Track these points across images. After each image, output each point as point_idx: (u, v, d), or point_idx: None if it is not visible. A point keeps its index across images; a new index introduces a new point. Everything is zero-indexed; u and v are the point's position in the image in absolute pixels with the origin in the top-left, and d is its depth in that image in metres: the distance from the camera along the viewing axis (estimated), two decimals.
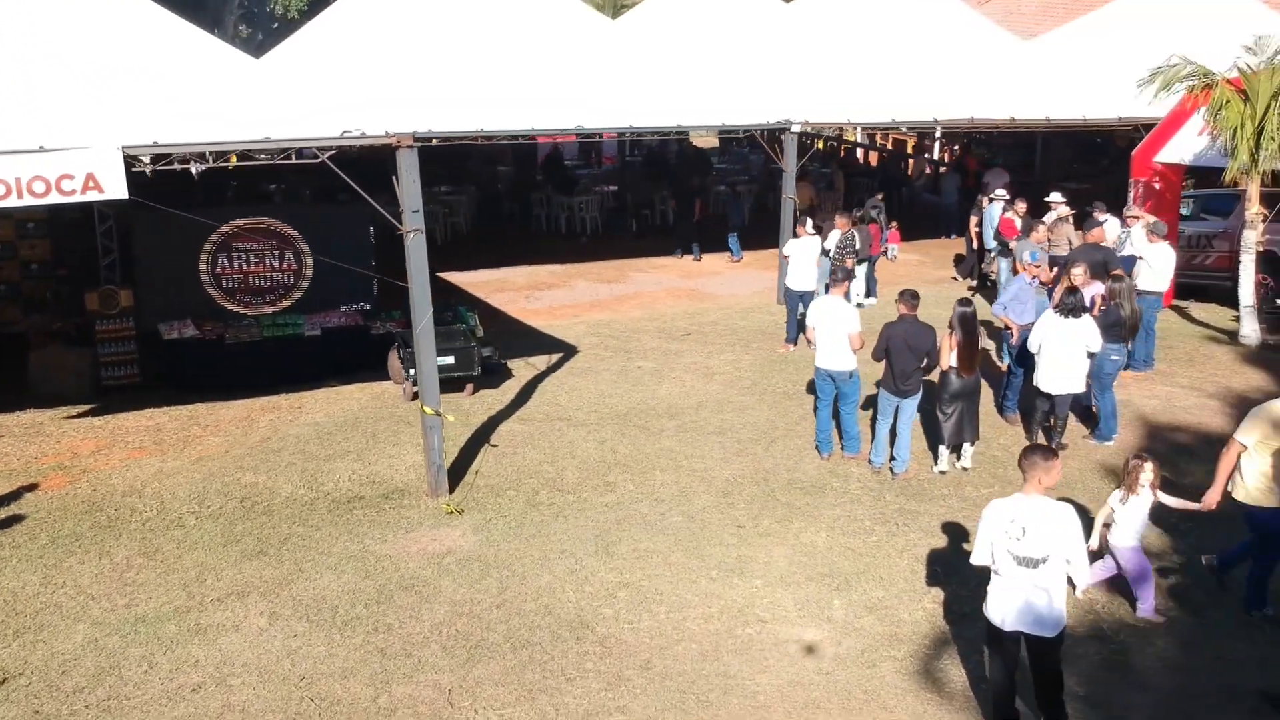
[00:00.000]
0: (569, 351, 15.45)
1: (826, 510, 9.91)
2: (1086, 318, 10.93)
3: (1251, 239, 14.98)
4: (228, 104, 9.91)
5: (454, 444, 11.60)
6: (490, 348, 14.76)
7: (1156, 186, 17.22)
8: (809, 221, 16.03)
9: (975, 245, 19.28)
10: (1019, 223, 16.67)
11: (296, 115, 10.13)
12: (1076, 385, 11.11)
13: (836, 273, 11.72)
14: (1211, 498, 7.94)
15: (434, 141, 15.35)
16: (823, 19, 21.60)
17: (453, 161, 28.31)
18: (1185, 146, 16.45)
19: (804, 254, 15.35)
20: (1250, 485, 7.81)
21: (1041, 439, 11.37)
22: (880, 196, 21.59)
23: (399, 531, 9.49)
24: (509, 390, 13.59)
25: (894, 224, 22.00)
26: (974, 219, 19.30)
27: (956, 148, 30.82)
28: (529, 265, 21.50)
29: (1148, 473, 8.06)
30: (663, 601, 8.30)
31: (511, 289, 20.03)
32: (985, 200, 19.79)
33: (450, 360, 13.14)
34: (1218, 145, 15.00)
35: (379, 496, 10.33)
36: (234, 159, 10.44)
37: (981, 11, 32.73)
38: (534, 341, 15.87)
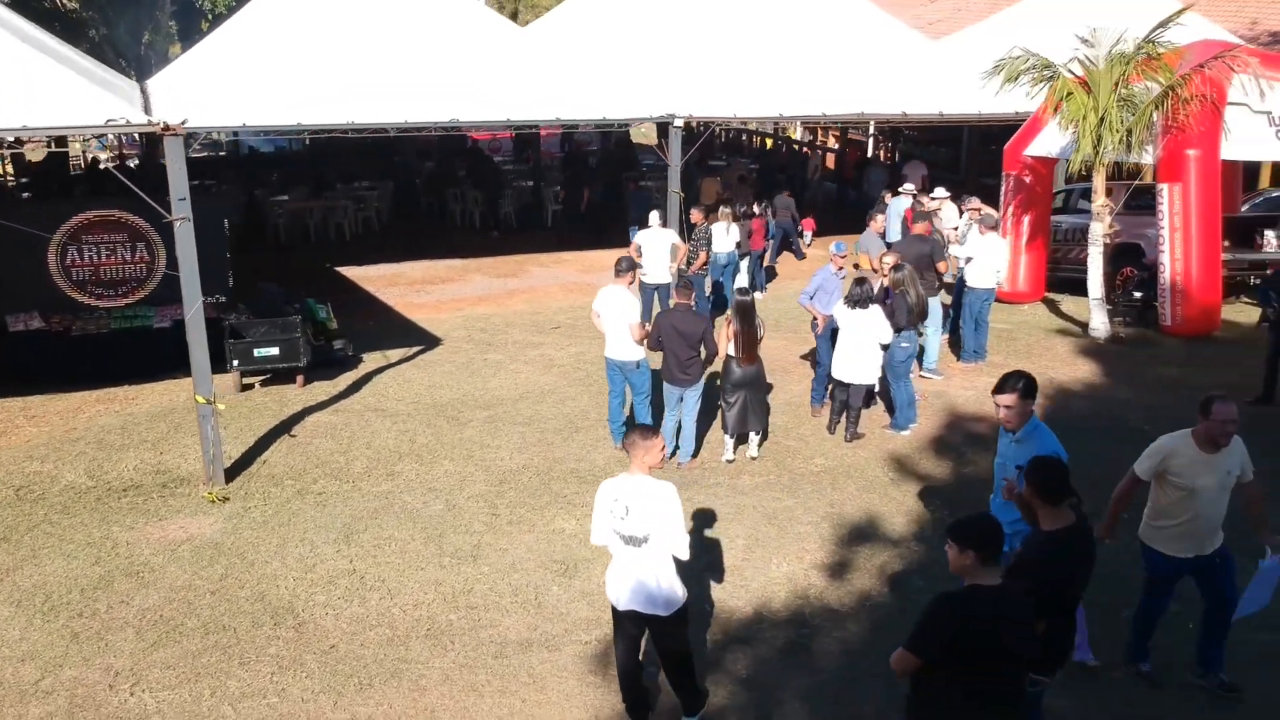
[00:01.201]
0: (430, 344, 15.50)
1: (590, 499, 9.90)
2: (875, 308, 10.95)
3: (1099, 231, 14.95)
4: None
5: (253, 434, 11.67)
6: (341, 340, 14.86)
7: (1027, 180, 17.20)
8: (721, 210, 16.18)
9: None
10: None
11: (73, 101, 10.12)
12: (870, 375, 11.14)
13: (680, 279, 11.67)
14: (1101, 529, 6.86)
15: (306, 136, 15.33)
16: (719, 12, 21.52)
17: (377, 156, 28.50)
18: (1053, 140, 16.42)
19: (656, 245, 15.36)
20: (1143, 520, 7.02)
21: (842, 428, 11.42)
22: (788, 194, 21.64)
23: (152, 519, 9.53)
24: (342, 382, 13.63)
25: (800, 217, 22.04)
26: (879, 215, 18.79)
27: (873, 140, 30.85)
28: (431, 260, 21.54)
29: None
30: (380, 589, 8.33)
31: (405, 283, 20.07)
32: (888, 195, 19.79)
33: (275, 351, 13.22)
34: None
35: (157, 486, 10.37)
36: None
37: (932, 9, 32.82)
38: (401, 335, 15.90)
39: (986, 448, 11.10)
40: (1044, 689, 5.56)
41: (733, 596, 8.19)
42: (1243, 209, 18.16)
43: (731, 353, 10.56)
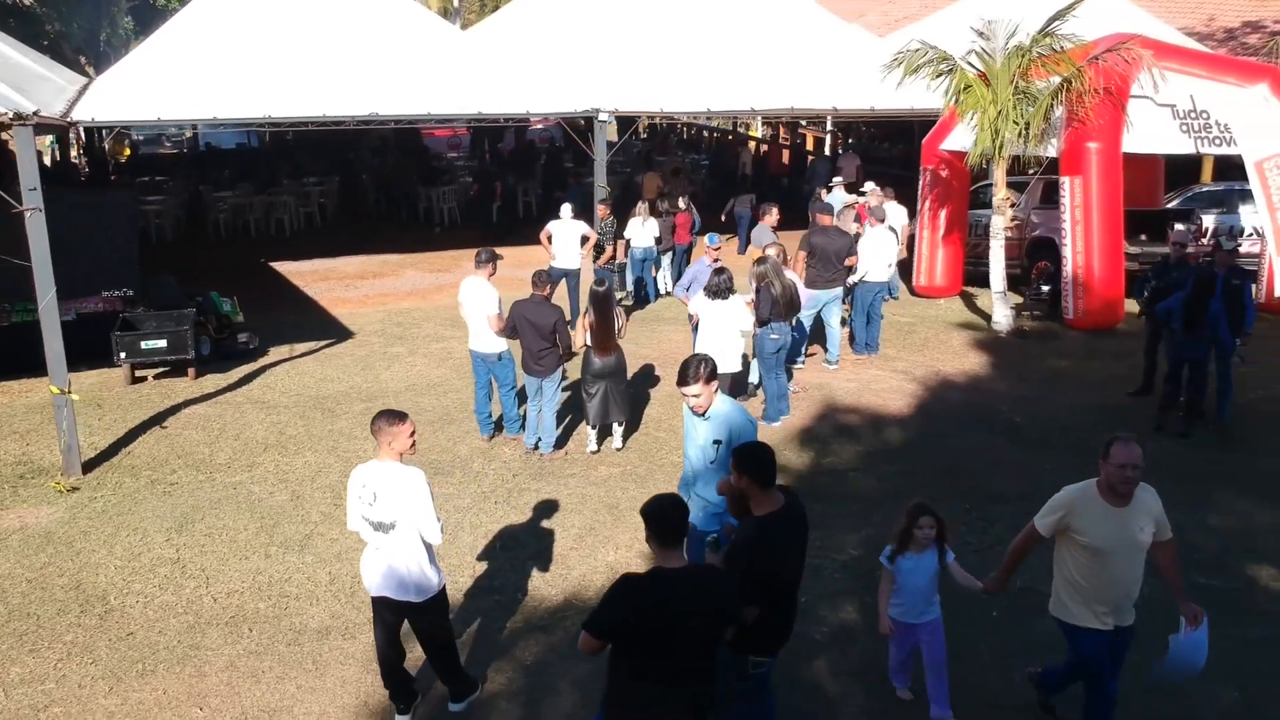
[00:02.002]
0: (342, 337, 15.52)
1: (440, 489, 9.88)
2: (734, 298, 10.95)
3: (999, 225, 14.94)
4: None
5: (126, 425, 11.70)
6: (246, 334, 14.91)
7: (943, 174, 17.19)
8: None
9: None
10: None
11: None
12: (732, 365, 11.12)
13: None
14: (992, 582, 6.21)
15: (266, 133, 15.39)
16: (656, 9, 21.44)
17: (330, 153, 28.58)
18: (968, 134, 16.37)
19: (566, 234, 15.37)
20: (1053, 594, 5.98)
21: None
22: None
23: None
24: (235, 375, 13.64)
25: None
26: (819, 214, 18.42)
27: (830, 135, 30.85)
28: (368, 255, 21.59)
29: (925, 527, 6.28)
30: (198, 577, 8.33)
31: (336, 278, 20.11)
32: (823, 191, 19.73)
33: (163, 344, 13.24)
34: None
35: (14, 477, 10.38)
36: None
37: (898, 6, 32.74)
38: (319, 329, 15.92)
39: (852, 439, 11.17)
40: (767, 669, 5.54)
41: (549, 585, 8.19)
42: (1174, 203, 18.14)
43: (592, 343, 10.55)
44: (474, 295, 10.87)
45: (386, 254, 21.73)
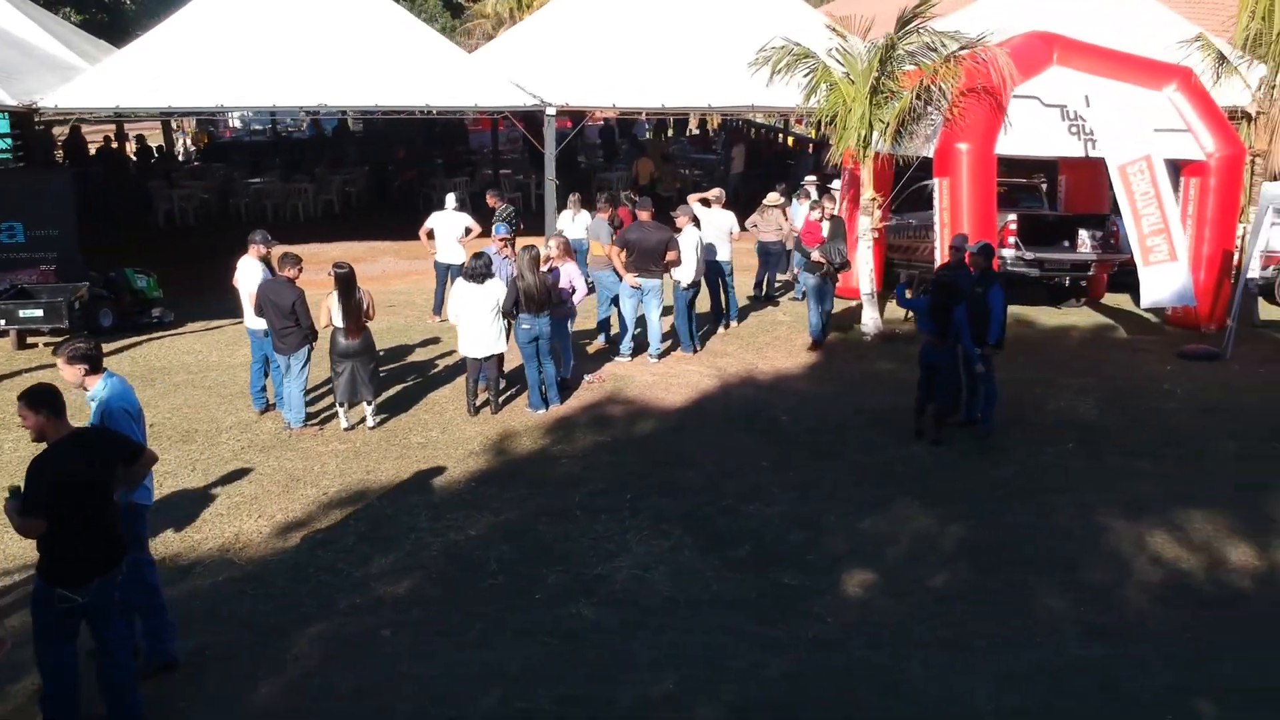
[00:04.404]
0: None
1: (175, 456, 10.51)
2: (491, 282, 11.31)
3: (866, 225, 14.69)
4: None
5: None
6: (160, 309, 16.00)
7: (859, 174, 16.91)
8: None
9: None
10: (826, 226, 14.13)
11: None
12: (491, 346, 11.47)
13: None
14: None
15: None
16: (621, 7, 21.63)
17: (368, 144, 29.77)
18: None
19: (447, 226, 15.85)
20: None
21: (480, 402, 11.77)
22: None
23: None
24: (119, 344, 14.51)
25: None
26: (757, 218, 17.36)
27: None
28: (357, 241, 22.44)
29: None
30: None
31: (315, 262, 19.57)
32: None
33: (39, 313, 14.34)
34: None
35: None
36: None
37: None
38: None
39: (598, 430, 11.40)
40: (81, 606, 5.88)
41: (166, 545, 8.63)
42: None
43: (338, 324, 11.03)
44: (242, 275, 11.49)
45: (376, 240, 22.58)
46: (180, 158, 33.00)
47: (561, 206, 17.59)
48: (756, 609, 7.70)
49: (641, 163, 24.29)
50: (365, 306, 11.11)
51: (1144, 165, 13.75)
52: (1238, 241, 15.10)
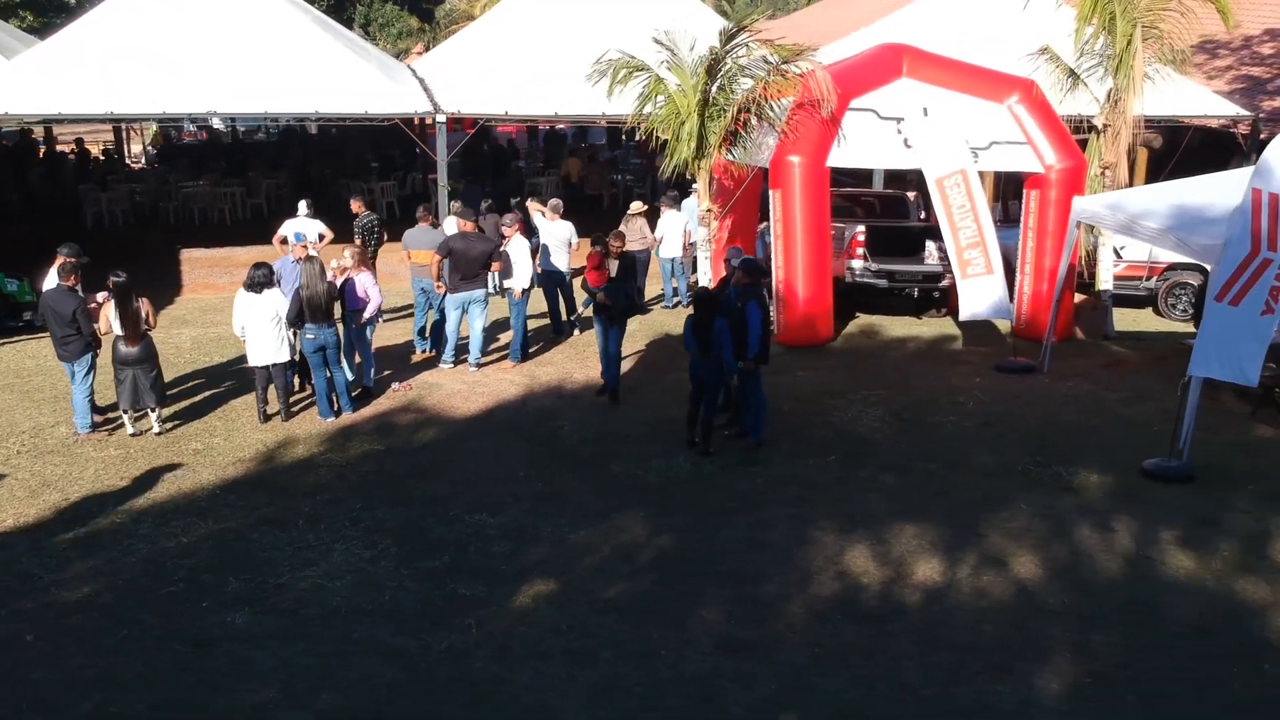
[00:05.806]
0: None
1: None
2: (269, 292, 11.55)
3: (703, 235, 14.76)
4: None
5: None
6: (30, 312, 16.33)
7: (728, 184, 16.98)
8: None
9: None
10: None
11: None
12: (283, 354, 11.70)
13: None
14: None
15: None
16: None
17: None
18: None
19: (302, 233, 16.08)
20: None
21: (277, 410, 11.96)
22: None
23: None
24: None
25: None
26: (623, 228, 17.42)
27: None
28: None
29: None
30: None
31: (231, 265, 20.90)
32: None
33: None
34: None
35: None
36: None
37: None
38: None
39: (378, 438, 11.55)
40: None
41: None
42: None
43: (118, 332, 11.27)
44: (47, 284, 11.75)
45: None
46: (139, 162, 33.55)
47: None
48: (413, 619, 7.84)
49: (570, 162, 24.55)
50: (144, 315, 11.34)
51: (960, 179, 13.76)
52: (1082, 253, 15.07)
